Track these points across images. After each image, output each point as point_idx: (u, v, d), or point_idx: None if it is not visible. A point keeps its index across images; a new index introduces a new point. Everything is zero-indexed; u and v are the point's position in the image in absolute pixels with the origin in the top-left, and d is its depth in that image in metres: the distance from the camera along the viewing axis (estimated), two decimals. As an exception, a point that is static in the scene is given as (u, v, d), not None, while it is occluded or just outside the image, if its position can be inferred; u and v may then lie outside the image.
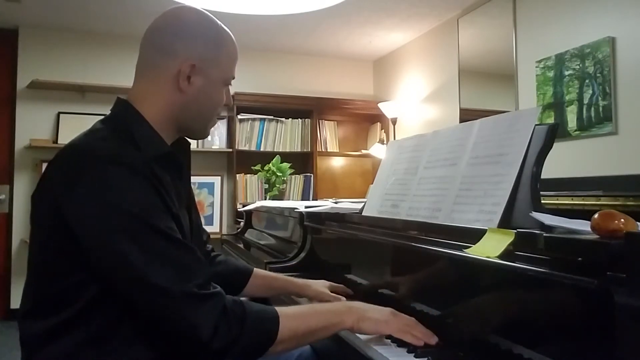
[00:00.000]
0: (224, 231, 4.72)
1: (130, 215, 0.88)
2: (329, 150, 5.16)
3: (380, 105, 4.79)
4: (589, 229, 0.72)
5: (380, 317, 1.01)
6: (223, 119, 4.84)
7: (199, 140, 4.70)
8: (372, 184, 1.61)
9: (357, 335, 1.05)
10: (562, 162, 2.59)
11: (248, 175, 4.75)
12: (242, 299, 0.97)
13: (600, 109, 2.87)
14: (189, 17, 1.05)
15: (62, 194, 0.90)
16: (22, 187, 4.40)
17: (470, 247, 0.90)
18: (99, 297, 0.92)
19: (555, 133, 0.94)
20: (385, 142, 4.87)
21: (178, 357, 0.99)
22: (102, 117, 1.05)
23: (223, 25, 1.09)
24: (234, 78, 1.12)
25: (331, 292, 1.35)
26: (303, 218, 1.83)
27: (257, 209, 2.88)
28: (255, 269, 1.40)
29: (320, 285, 1.37)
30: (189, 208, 1.12)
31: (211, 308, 0.89)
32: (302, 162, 4.98)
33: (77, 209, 0.89)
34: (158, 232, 0.90)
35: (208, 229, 4.62)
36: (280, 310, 0.97)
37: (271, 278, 1.42)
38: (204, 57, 1.03)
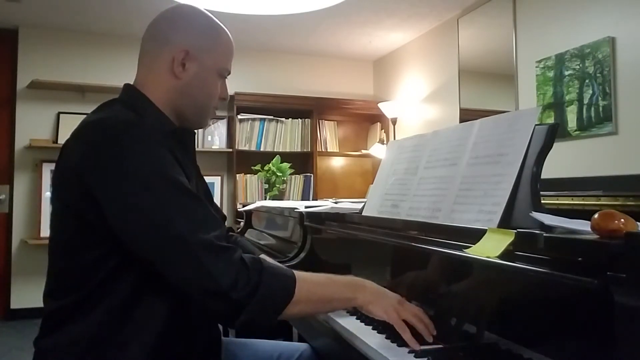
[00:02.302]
0: (224, 231, 4.71)
1: (147, 170, 0.93)
2: (329, 150, 5.16)
3: (380, 105, 4.79)
4: (589, 229, 0.72)
5: (389, 307, 1.01)
6: (223, 119, 4.84)
7: (199, 140, 4.71)
8: (372, 184, 1.61)
9: (357, 335, 1.05)
10: (562, 162, 2.59)
11: (248, 175, 4.75)
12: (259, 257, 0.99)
13: (600, 109, 2.87)
14: (185, 10, 1.13)
15: (81, 163, 0.95)
16: (22, 187, 4.41)
17: (470, 247, 0.90)
18: (117, 271, 0.96)
19: (555, 133, 0.94)
20: (385, 142, 4.88)
21: (195, 327, 1.04)
22: (98, 107, 1.10)
23: (219, 22, 1.14)
24: (229, 73, 1.16)
25: None
26: (303, 218, 1.83)
27: (257, 209, 2.88)
28: (261, 255, 1.40)
29: None
30: (199, 189, 1.16)
31: (229, 258, 0.92)
32: (302, 162, 4.98)
33: (97, 172, 0.93)
34: (175, 185, 0.94)
35: (208, 229, 4.66)
36: (297, 272, 0.99)
37: None
38: (197, 45, 1.09)
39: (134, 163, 0.93)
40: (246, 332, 0.99)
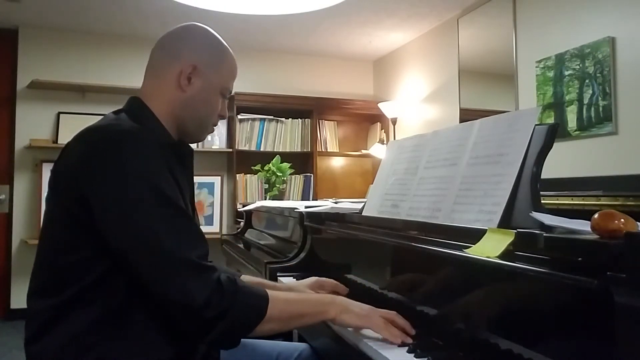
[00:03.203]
0: (224, 231, 4.72)
1: (142, 182, 0.95)
2: (329, 150, 5.16)
3: (380, 105, 4.79)
4: (589, 229, 0.72)
5: (362, 312, 1.06)
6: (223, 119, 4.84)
7: (199, 140, 4.71)
8: (372, 184, 1.61)
9: (357, 334, 1.05)
10: (562, 162, 2.59)
11: (248, 175, 4.75)
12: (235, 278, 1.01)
13: (600, 109, 2.87)
14: (198, 29, 1.18)
15: (79, 165, 0.98)
16: (22, 187, 4.40)
17: (470, 247, 0.90)
18: (112, 272, 0.97)
19: (555, 133, 0.94)
20: (385, 142, 4.87)
21: (188, 340, 1.03)
22: (104, 116, 1.13)
23: (227, 46, 1.20)
24: (231, 93, 1.22)
25: (321, 288, 1.36)
26: (303, 218, 1.83)
27: (257, 209, 2.88)
28: (242, 276, 1.39)
29: (304, 286, 1.38)
30: (192, 204, 1.17)
31: (207, 278, 0.95)
32: (302, 162, 4.98)
33: (93, 176, 0.96)
34: (167, 200, 0.97)
35: (208, 228, 4.68)
36: (270, 292, 1.03)
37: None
38: (205, 62, 1.13)
39: (130, 172, 0.95)
40: (220, 348, 1.08)
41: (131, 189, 0.95)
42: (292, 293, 1.28)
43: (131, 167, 0.96)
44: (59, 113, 4.45)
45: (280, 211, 2.28)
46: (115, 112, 1.11)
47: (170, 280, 0.93)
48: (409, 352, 0.94)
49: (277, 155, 4.31)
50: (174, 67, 1.12)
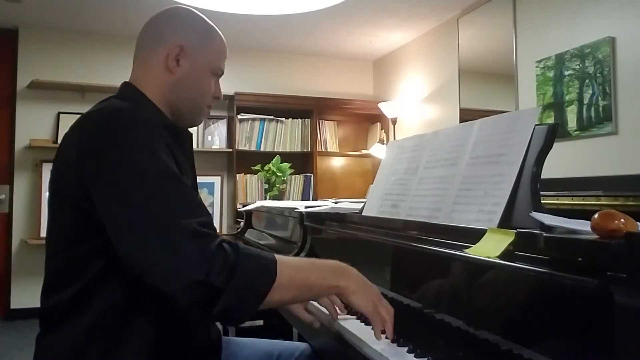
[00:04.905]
0: (224, 231, 4.72)
1: (140, 150, 0.92)
2: (329, 150, 5.16)
3: (380, 105, 4.79)
4: (589, 229, 0.71)
5: (370, 299, 0.99)
6: (223, 119, 4.84)
7: (199, 140, 4.71)
8: (372, 184, 1.61)
9: (357, 334, 1.04)
10: (562, 162, 2.59)
11: (248, 175, 4.75)
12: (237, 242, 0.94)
13: (600, 109, 2.88)
14: (181, 11, 1.17)
15: (77, 148, 0.96)
16: (22, 187, 4.41)
17: (470, 247, 0.90)
18: (113, 265, 0.94)
19: (555, 133, 0.94)
20: (385, 142, 4.88)
21: (195, 326, 1.03)
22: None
23: (213, 25, 1.18)
24: (222, 72, 1.19)
25: None
26: (303, 218, 1.83)
27: (257, 209, 2.88)
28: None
29: None
30: (195, 188, 1.17)
31: (207, 244, 0.86)
32: (302, 162, 4.98)
33: (91, 156, 0.94)
34: (165, 167, 0.92)
35: (208, 229, 4.66)
36: (279, 256, 0.95)
37: None
38: (192, 42, 1.12)
39: (127, 143, 0.92)
40: (231, 321, 0.94)
41: (129, 158, 0.91)
42: (304, 259, 1.17)
43: (128, 139, 0.92)
44: (59, 113, 4.46)
45: (280, 211, 2.28)
46: (107, 99, 1.09)
47: (167, 246, 0.85)
48: (409, 352, 0.94)
49: (277, 155, 4.32)
50: (160, 50, 1.10)
